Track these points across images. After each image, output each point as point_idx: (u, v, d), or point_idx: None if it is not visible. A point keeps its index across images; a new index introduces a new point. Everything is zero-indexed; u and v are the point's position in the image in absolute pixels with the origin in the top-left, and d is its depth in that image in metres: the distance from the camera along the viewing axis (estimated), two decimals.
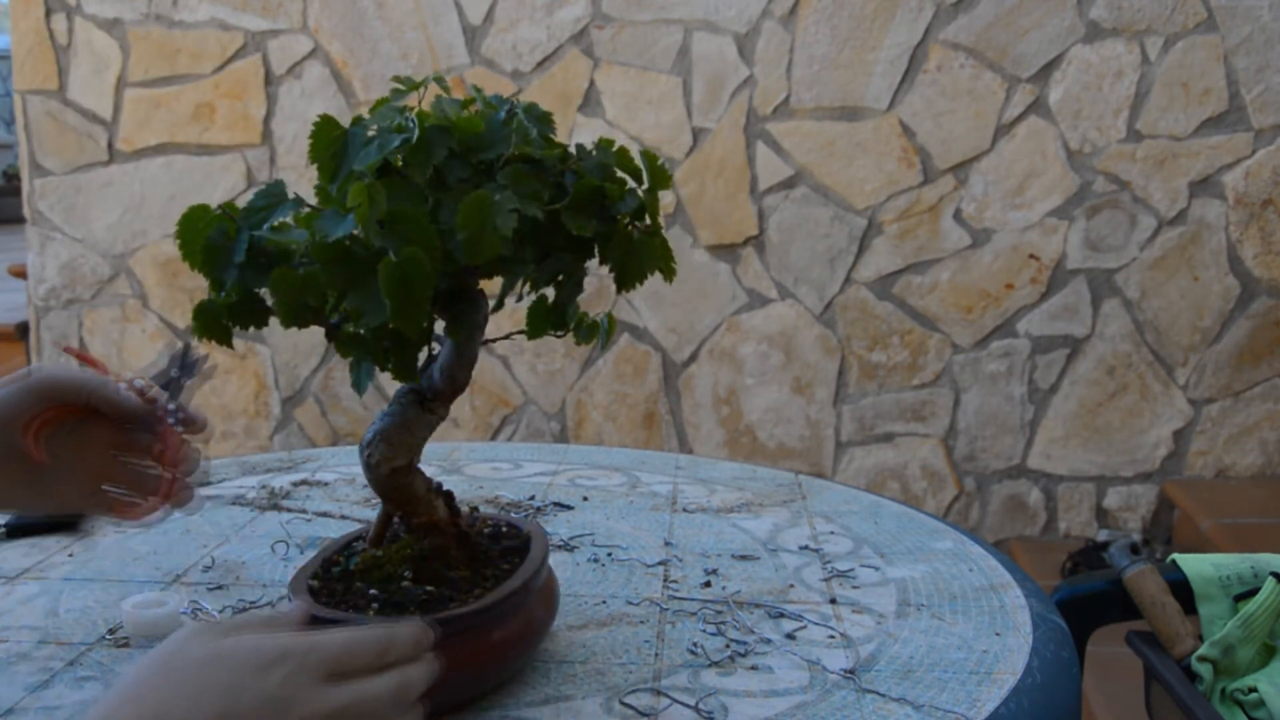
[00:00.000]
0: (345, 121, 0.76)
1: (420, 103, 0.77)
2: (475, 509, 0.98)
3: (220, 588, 1.02)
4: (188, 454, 0.91)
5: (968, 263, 2.93)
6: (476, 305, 0.80)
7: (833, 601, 0.98)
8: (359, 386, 0.78)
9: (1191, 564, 1.16)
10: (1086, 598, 1.20)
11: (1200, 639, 1.12)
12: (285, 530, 1.17)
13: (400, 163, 0.74)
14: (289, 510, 1.23)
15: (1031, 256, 2.91)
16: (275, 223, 0.75)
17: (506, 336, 0.91)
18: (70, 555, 1.10)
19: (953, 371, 2.98)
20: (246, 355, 3.16)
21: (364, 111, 0.78)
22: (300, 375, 3.16)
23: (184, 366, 0.94)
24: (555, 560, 1.05)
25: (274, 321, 0.75)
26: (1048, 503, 3.00)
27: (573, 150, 0.80)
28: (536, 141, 0.77)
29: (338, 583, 0.83)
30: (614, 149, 0.81)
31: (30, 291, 3.23)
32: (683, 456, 1.45)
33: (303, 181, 2.88)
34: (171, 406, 0.90)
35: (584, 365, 3.08)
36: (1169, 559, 1.19)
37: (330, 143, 0.75)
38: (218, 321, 0.76)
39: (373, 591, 0.81)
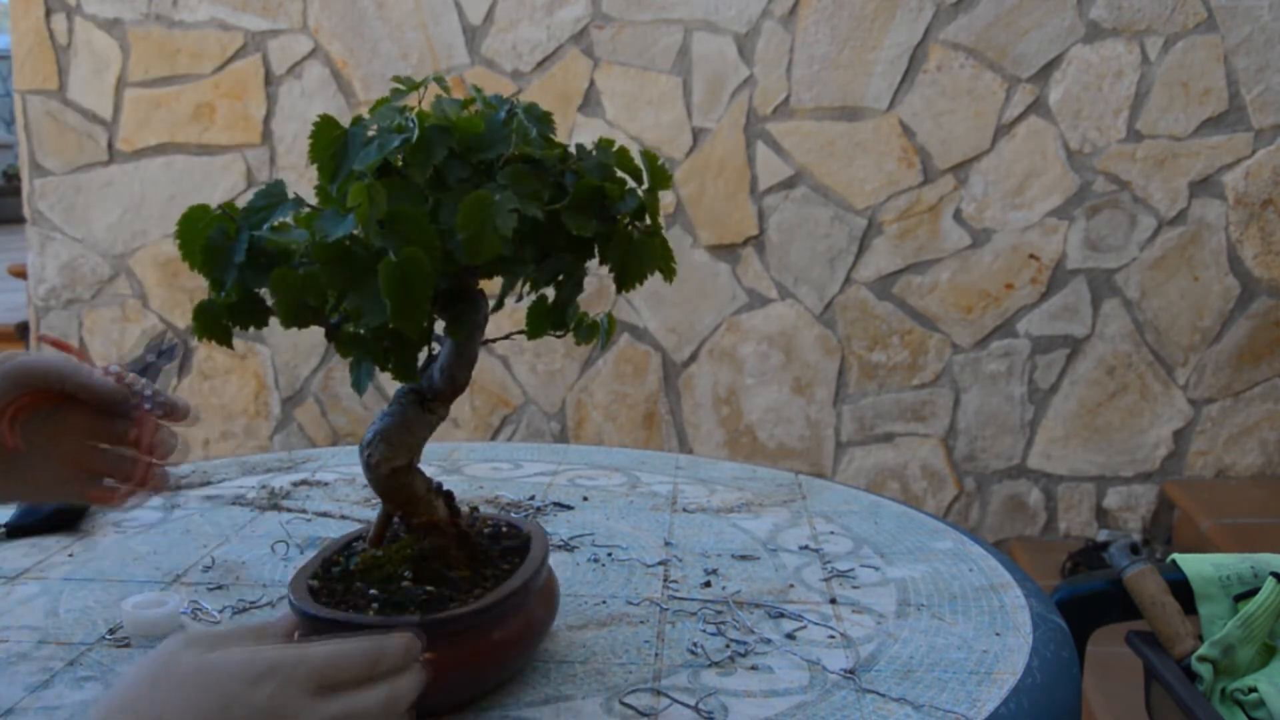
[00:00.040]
0: (345, 121, 0.76)
1: (420, 103, 0.77)
2: (475, 509, 0.98)
3: (220, 588, 1.02)
4: (164, 439, 0.90)
5: (968, 263, 2.93)
6: (476, 305, 0.80)
7: (833, 601, 0.98)
8: (359, 386, 0.78)
9: (1191, 564, 1.16)
10: (1086, 598, 1.20)
11: (1200, 639, 1.12)
12: (285, 530, 1.17)
13: (400, 163, 0.74)
14: (289, 510, 1.23)
15: (1031, 256, 2.91)
16: (275, 223, 0.75)
17: (506, 336, 0.91)
18: (70, 555, 1.10)
19: (953, 371, 2.98)
20: (246, 355, 3.16)
21: (364, 111, 0.78)
22: (300, 375, 3.16)
23: (161, 353, 0.93)
24: (555, 560, 1.05)
25: (274, 321, 0.75)
26: (1048, 503, 3.00)
27: (573, 150, 0.80)
28: (536, 141, 0.77)
29: (338, 583, 0.83)
30: (614, 149, 0.81)
31: (30, 291, 3.23)
32: (683, 456, 1.45)
33: (303, 181, 2.88)
34: (148, 392, 0.90)
35: (584, 365, 3.08)
36: (1169, 559, 1.19)
37: (330, 143, 0.75)
38: (218, 321, 0.76)
39: (373, 591, 0.81)
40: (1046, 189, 2.89)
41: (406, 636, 0.67)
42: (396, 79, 0.80)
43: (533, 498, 1.27)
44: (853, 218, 2.94)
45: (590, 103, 2.98)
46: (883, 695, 0.81)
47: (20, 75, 3.13)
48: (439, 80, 0.84)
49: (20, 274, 3.51)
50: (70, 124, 3.12)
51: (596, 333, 0.86)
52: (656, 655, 0.88)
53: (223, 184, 3.10)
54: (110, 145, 3.12)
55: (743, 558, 1.08)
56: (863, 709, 0.79)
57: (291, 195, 0.77)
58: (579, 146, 0.81)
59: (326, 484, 1.33)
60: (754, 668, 0.86)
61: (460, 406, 3.08)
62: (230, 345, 0.79)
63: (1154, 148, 2.85)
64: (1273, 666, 1.10)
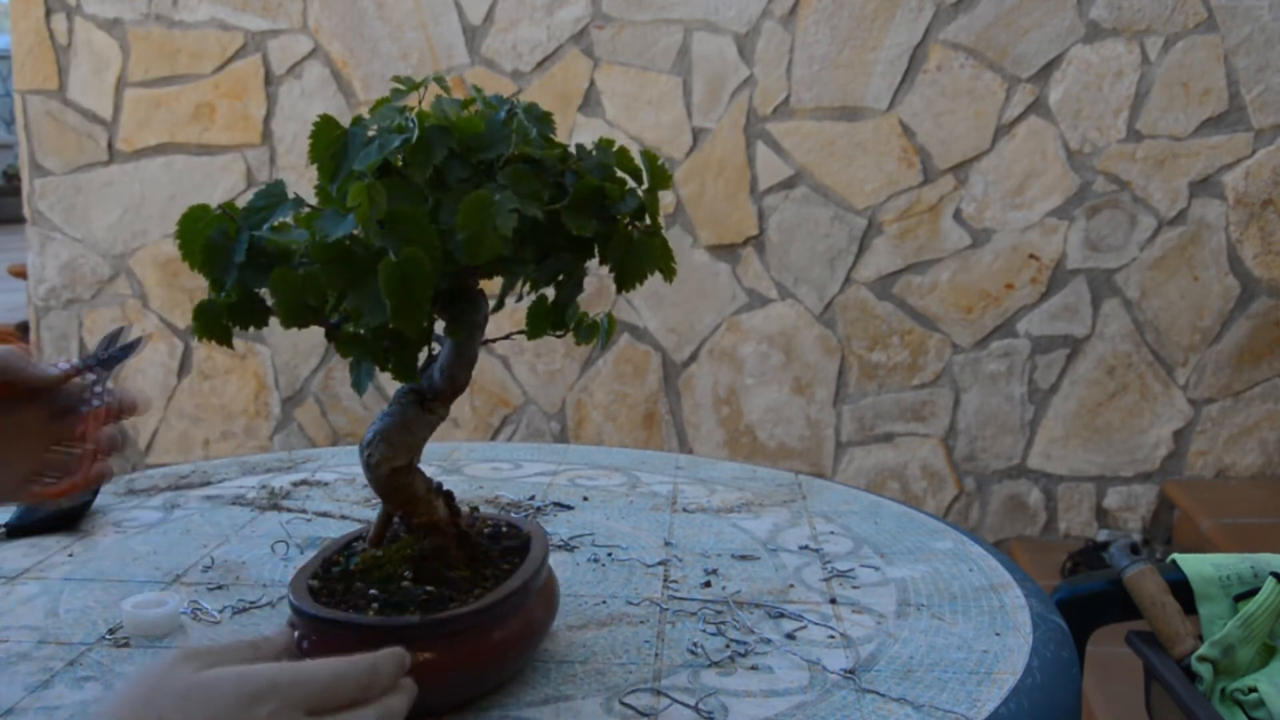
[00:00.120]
0: (345, 121, 0.76)
1: (420, 103, 0.77)
2: (475, 509, 0.98)
3: (220, 588, 1.02)
4: (110, 435, 0.90)
5: (968, 263, 2.93)
6: (476, 305, 0.80)
7: (833, 601, 0.98)
8: (359, 386, 0.78)
9: (1191, 564, 1.16)
10: (1086, 598, 1.20)
11: (1200, 639, 1.12)
12: (285, 530, 1.17)
13: (400, 163, 0.74)
14: (289, 510, 1.23)
15: (1031, 256, 2.91)
16: (275, 223, 0.75)
17: (506, 336, 0.91)
18: (70, 555, 1.10)
19: (953, 371, 2.98)
20: (246, 355, 3.16)
21: (364, 111, 0.78)
22: (300, 375, 3.16)
23: (122, 347, 0.93)
24: (555, 560, 1.05)
25: (274, 321, 0.75)
26: (1048, 503, 3.00)
27: (573, 150, 0.80)
28: (536, 141, 0.77)
29: (338, 583, 0.83)
30: (614, 149, 0.81)
31: (30, 291, 3.23)
32: (683, 456, 1.45)
33: (303, 181, 2.88)
34: (99, 388, 0.89)
35: (584, 365, 3.08)
36: (1169, 559, 1.19)
37: (330, 143, 0.75)
38: (218, 321, 0.76)
39: (373, 591, 0.81)
40: (1046, 189, 2.89)
41: (398, 654, 0.67)
42: (396, 79, 0.80)
43: (533, 498, 1.27)
44: (853, 218, 2.94)
45: (590, 103, 2.98)
46: (883, 695, 0.81)
47: (20, 75, 3.14)
48: (439, 80, 0.84)
49: (20, 274, 3.51)
50: (70, 124, 3.12)
51: (596, 333, 0.86)
52: (656, 655, 0.88)
53: (223, 184, 3.10)
54: (110, 145, 3.12)
55: (743, 558, 1.08)
56: (863, 709, 0.79)
57: (291, 195, 0.77)
58: (579, 146, 0.81)
59: (326, 484, 1.33)
60: (754, 668, 0.86)
61: (460, 406, 3.08)
62: (230, 345, 0.79)
63: (1154, 148, 2.85)
64: (1273, 666, 1.10)
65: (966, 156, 2.90)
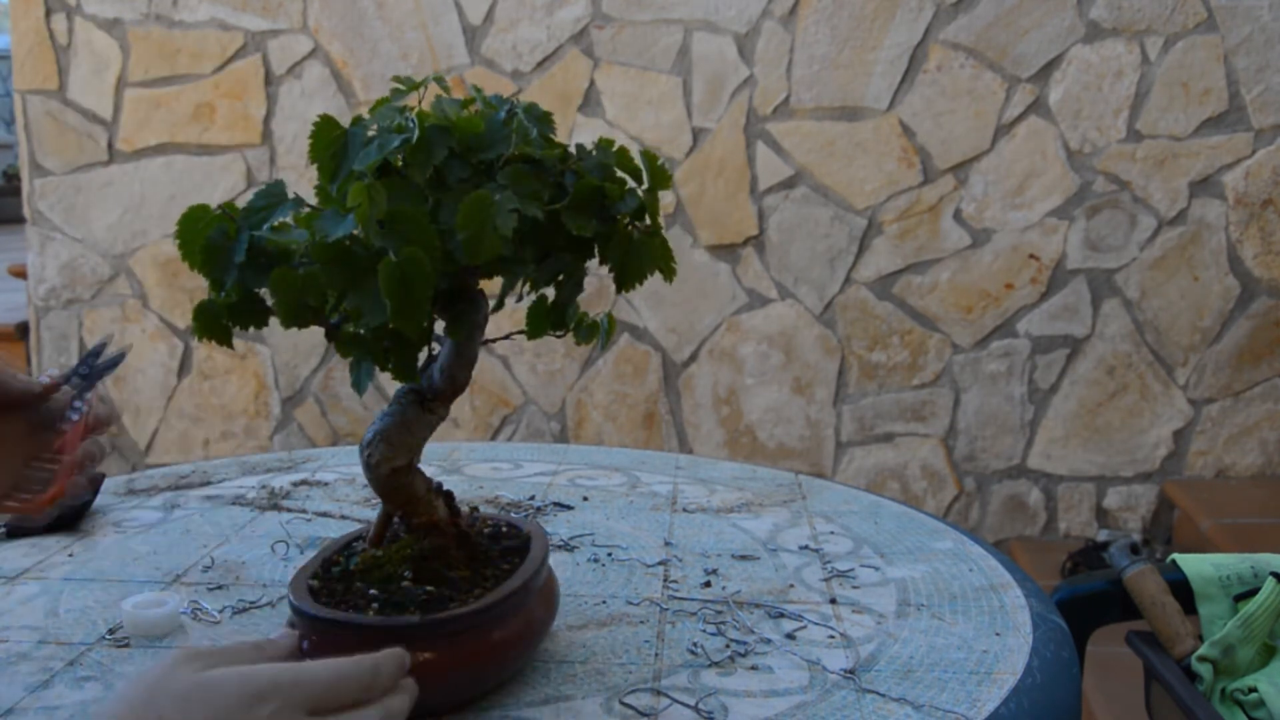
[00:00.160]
0: (345, 121, 0.76)
1: (420, 103, 0.77)
2: (475, 509, 0.98)
3: (220, 588, 1.02)
4: (89, 450, 0.89)
5: (968, 263, 2.93)
6: (476, 305, 0.80)
7: (833, 601, 0.98)
8: (359, 386, 0.78)
9: (1191, 564, 1.16)
10: (1086, 598, 1.20)
11: (1200, 639, 1.12)
12: (285, 530, 1.17)
13: (400, 163, 0.74)
14: (289, 510, 1.23)
15: (1031, 256, 2.91)
16: (275, 223, 0.75)
17: (506, 336, 0.91)
18: (70, 555, 1.10)
19: (953, 371, 2.98)
20: (246, 355, 3.16)
21: (364, 111, 0.78)
22: (300, 375, 3.16)
23: (102, 361, 0.92)
24: (555, 560, 1.05)
25: (274, 321, 0.75)
26: (1048, 503, 3.00)
27: (573, 150, 0.80)
28: (536, 141, 0.77)
29: (338, 583, 0.83)
30: (614, 149, 0.81)
31: (30, 291, 3.23)
32: (683, 456, 1.45)
33: (303, 181, 2.88)
34: (78, 403, 0.89)
35: (584, 365, 3.08)
36: (1169, 559, 1.19)
37: (330, 143, 0.75)
38: (218, 321, 0.76)
39: (373, 591, 0.81)
40: (1046, 189, 2.89)
41: (399, 654, 0.67)
42: (396, 79, 0.80)
43: (533, 498, 1.27)
44: (853, 218, 2.94)
45: (590, 103, 2.98)
46: (883, 695, 0.81)
47: (20, 75, 3.13)
48: (439, 80, 0.84)
49: (20, 274, 3.51)
50: (70, 124, 3.12)
51: (596, 333, 0.86)
52: (656, 655, 0.88)
53: (223, 184, 3.10)
54: (110, 145, 3.12)
55: (743, 558, 1.08)
56: (863, 709, 0.79)
57: (291, 195, 0.77)
58: (579, 146, 0.81)
59: (326, 484, 1.33)
60: (754, 668, 0.86)
61: (460, 406, 3.08)
62: (230, 345, 0.79)
63: (1154, 148, 2.85)
64: (1273, 666, 1.10)
65: (966, 156, 2.90)
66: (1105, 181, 2.87)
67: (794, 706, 0.80)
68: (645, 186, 0.81)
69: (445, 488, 0.87)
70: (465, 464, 1.42)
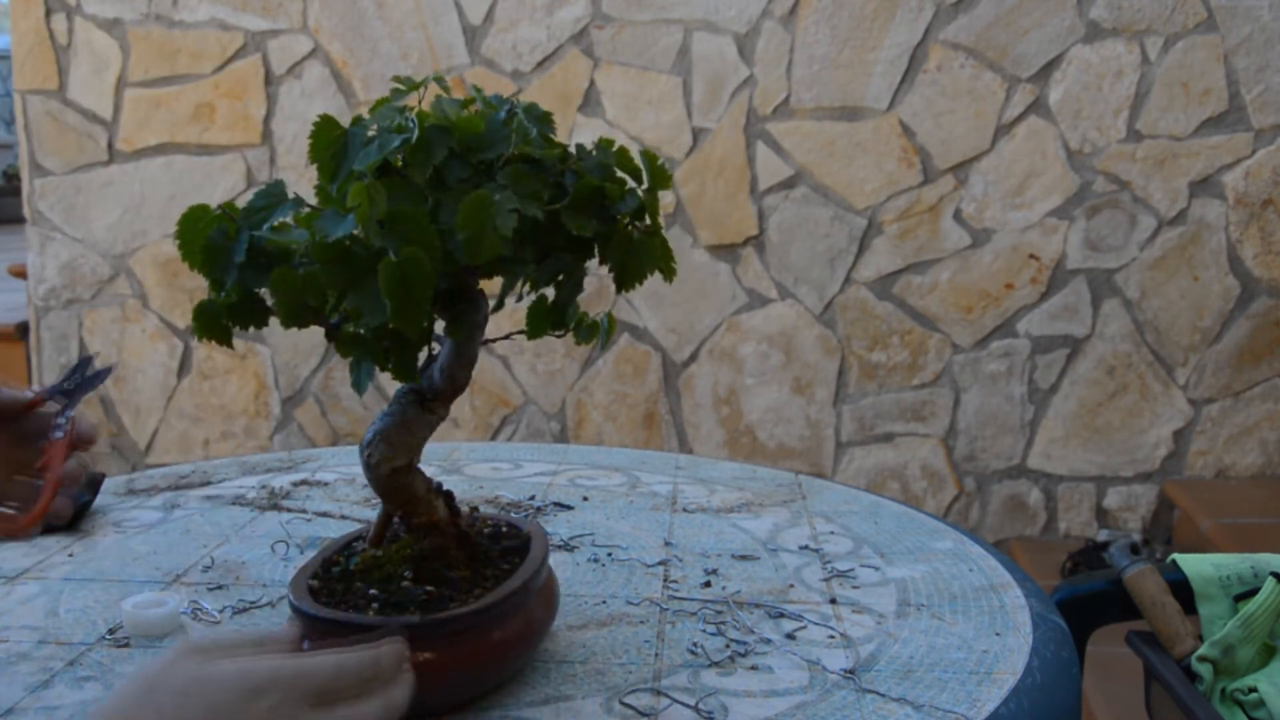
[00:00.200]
0: (345, 121, 0.76)
1: (420, 103, 0.77)
2: (475, 509, 0.98)
3: (220, 588, 1.02)
4: (71, 469, 0.87)
5: (968, 263, 2.93)
6: (476, 305, 0.80)
7: (833, 601, 0.98)
8: (359, 386, 0.78)
9: (1191, 564, 1.16)
10: (1086, 598, 1.20)
11: (1200, 639, 1.12)
12: (285, 530, 1.17)
13: (400, 163, 0.74)
14: (289, 510, 1.23)
15: (1031, 256, 2.91)
16: (275, 223, 0.75)
17: (506, 336, 0.91)
18: (70, 555, 1.10)
19: (953, 371, 2.98)
20: (246, 355, 3.16)
21: (364, 111, 0.78)
22: (300, 375, 3.16)
23: (88, 377, 0.91)
24: (555, 560, 1.05)
25: (274, 321, 0.75)
26: (1048, 503, 3.00)
27: (573, 150, 0.80)
28: (536, 141, 0.77)
29: (338, 583, 0.83)
30: (614, 149, 0.81)
31: (30, 291, 3.23)
32: (683, 456, 1.45)
33: (303, 181, 2.88)
34: (61, 420, 0.87)
35: (584, 365, 3.08)
36: (1169, 559, 1.19)
37: (330, 143, 0.75)
38: (218, 321, 0.76)
39: (373, 591, 0.81)
40: (1046, 189, 2.89)
41: (398, 645, 0.67)
42: (396, 79, 0.80)
43: (533, 498, 1.27)
44: (853, 218, 2.94)
45: (590, 103, 2.98)
46: (883, 695, 0.81)
47: (20, 75, 3.13)
48: (439, 80, 0.84)
49: (20, 274, 3.51)
50: (70, 124, 3.12)
51: (596, 333, 0.86)
52: (656, 655, 0.88)
53: (223, 184, 3.10)
54: (110, 145, 3.12)
55: (743, 558, 1.08)
56: (863, 709, 0.79)
57: (291, 195, 0.77)
58: (579, 146, 0.81)
59: (326, 484, 1.33)
60: (754, 668, 0.86)
61: (460, 406, 3.08)
62: (230, 345, 0.79)
63: (1154, 148, 2.85)
64: (1273, 666, 1.10)
65: (966, 156, 2.90)
66: (1105, 181, 2.87)
67: (794, 706, 0.80)
68: (645, 186, 0.81)
69: (445, 488, 0.87)
70: (465, 464, 1.42)
